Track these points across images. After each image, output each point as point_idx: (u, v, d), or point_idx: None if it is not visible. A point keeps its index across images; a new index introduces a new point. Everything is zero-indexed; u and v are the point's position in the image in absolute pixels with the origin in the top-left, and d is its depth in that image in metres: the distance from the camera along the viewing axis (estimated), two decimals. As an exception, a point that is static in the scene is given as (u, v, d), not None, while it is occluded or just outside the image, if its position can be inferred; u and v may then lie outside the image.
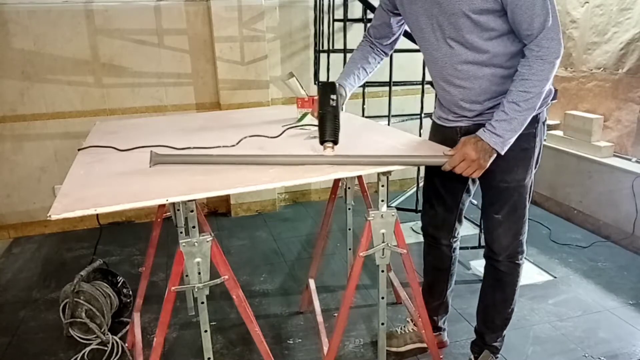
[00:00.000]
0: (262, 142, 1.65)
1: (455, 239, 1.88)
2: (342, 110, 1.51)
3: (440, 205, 1.80)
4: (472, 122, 1.56)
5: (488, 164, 1.40)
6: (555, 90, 1.61)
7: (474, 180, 1.74)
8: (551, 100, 1.56)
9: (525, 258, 1.73)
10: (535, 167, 1.62)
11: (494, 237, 1.69)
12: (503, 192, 1.60)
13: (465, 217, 1.85)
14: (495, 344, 1.85)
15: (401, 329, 2.08)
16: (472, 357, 1.91)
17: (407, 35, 2.65)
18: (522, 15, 1.32)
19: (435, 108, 1.75)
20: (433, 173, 1.77)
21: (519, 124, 1.38)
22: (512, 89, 1.38)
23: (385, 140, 1.65)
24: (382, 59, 1.80)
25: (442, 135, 1.66)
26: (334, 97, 1.44)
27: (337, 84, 1.54)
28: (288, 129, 1.80)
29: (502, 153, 1.40)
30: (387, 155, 1.43)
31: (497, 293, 1.78)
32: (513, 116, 1.36)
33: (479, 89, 1.49)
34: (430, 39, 1.51)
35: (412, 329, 2.06)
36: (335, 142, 1.39)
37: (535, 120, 1.50)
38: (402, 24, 1.71)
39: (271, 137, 1.69)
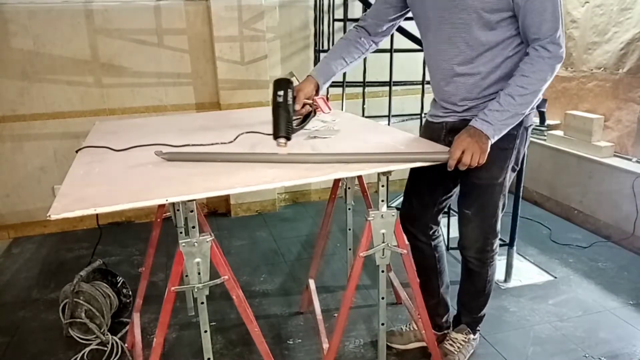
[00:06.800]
0: (260, 140, 1.65)
1: (434, 237, 1.89)
2: (292, 104, 1.49)
3: (416, 199, 1.83)
4: (459, 117, 1.61)
5: (488, 147, 1.42)
6: (544, 99, 1.64)
7: (455, 182, 1.76)
8: (537, 107, 1.60)
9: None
10: (514, 171, 1.67)
11: (463, 232, 1.76)
12: (475, 189, 1.65)
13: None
14: (472, 321, 1.95)
15: (406, 326, 2.09)
16: (450, 327, 2.01)
17: (406, 34, 2.65)
18: (533, 20, 1.38)
19: (430, 108, 1.79)
20: (418, 171, 1.77)
21: (511, 118, 1.43)
22: (510, 82, 1.43)
23: (385, 140, 1.64)
24: (368, 49, 1.78)
25: (429, 133, 1.72)
26: (280, 93, 1.46)
27: (290, 80, 1.54)
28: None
29: (492, 140, 1.44)
30: (387, 153, 1.44)
31: (469, 285, 1.89)
32: (506, 108, 1.41)
33: (471, 86, 1.55)
34: (437, 35, 1.54)
35: (416, 327, 2.06)
36: (288, 138, 1.41)
37: (520, 123, 1.53)
38: (401, 17, 1.72)
39: (266, 134, 1.70)
